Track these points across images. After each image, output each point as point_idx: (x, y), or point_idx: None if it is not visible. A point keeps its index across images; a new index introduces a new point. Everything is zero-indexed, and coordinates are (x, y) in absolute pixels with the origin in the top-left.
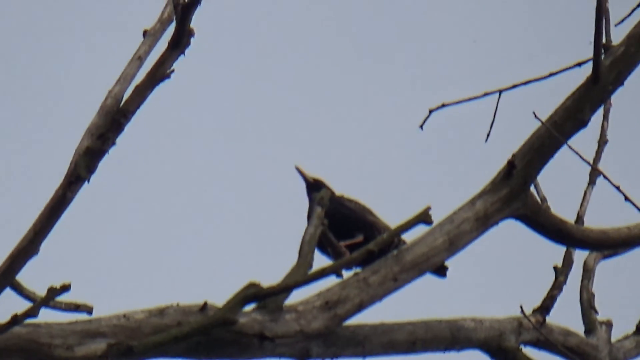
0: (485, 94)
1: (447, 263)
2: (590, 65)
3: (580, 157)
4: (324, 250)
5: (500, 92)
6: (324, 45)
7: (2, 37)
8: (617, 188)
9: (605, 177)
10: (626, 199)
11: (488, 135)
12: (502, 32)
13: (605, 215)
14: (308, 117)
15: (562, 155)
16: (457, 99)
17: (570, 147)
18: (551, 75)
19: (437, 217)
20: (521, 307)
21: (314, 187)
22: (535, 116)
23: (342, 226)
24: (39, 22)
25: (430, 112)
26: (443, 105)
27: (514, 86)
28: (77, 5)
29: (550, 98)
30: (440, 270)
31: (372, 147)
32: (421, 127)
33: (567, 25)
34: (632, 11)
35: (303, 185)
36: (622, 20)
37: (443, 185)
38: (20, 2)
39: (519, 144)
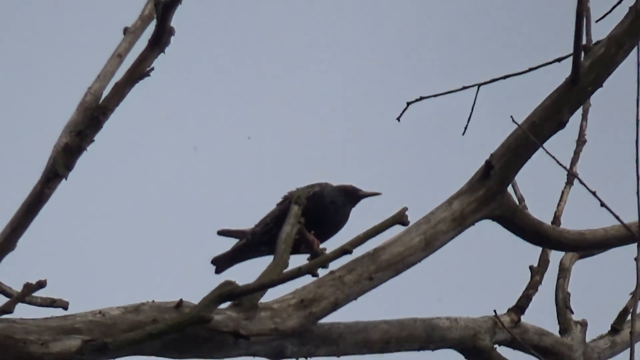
0: (464, 88)
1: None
2: (569, 64)
3: (557, 161)
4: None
5: (479, 86)
6: (304, 38)
7: None
8: (594, 194)
9: (581, 182)
10: (602, 204)
11: (465, 128)
12: (483, 30)
13: (583, 214)
14: (286, 110)
15: (540, 156)
16: (435, 93)
17: (546, 151)
18: (530, 70)
19: (413, 214)
20: (495, 311)
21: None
22: (513, 120)
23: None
24: (19, 19)
25: (408, 104)
26: (421, 98)
27: (493, 80)
28: (59, 1)
29: (531, 98)
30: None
31: (349, 139)
32: (398, 119)
33: (548, 25)
34: (612, 8)
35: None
36: (604, 17)
37: (420, 179)
38: None
39: (498, 140)
